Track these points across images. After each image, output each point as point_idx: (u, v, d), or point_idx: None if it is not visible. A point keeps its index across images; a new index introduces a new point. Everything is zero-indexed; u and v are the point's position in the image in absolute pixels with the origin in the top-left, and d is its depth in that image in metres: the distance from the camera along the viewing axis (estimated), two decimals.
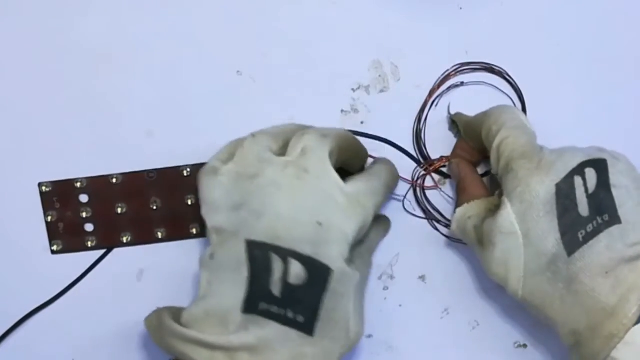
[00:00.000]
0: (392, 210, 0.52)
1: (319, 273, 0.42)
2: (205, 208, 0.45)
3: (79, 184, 0.51)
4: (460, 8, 0.53)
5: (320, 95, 0.53)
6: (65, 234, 0.51)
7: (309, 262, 0.42)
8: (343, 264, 0.43)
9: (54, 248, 0.52)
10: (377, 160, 0.51)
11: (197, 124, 0.52)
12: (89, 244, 0.52)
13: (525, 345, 0.52)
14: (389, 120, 0.52)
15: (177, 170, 0.51)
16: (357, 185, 0.45)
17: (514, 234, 0.44)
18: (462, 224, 0.48)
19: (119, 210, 0.51)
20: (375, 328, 0.51)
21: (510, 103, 0.53)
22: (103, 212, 0.51)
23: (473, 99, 0.53)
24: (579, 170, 0.44)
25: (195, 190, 0.50)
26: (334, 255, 0.43)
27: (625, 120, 0.53)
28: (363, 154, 0.50)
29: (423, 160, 0.52)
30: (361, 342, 0.50)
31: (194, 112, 0.52)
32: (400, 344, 0.52)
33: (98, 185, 0.51)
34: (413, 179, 0.52)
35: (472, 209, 0.48)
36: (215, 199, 0.44)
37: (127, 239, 0.51)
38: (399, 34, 0.53)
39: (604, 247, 0.42)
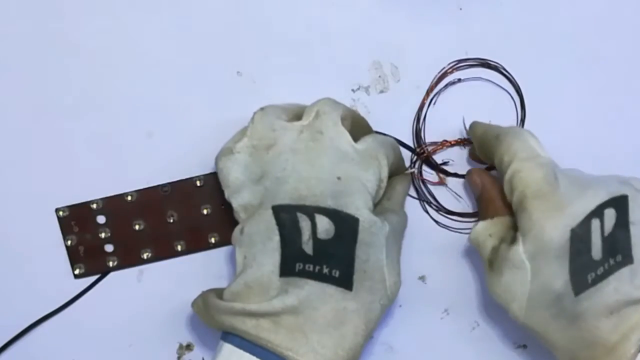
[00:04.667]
0: None
1: (346, 224, 0.43)
2: (228, 190, 0.46)
3: (94, 205, 0.51)
4: (460, 9, 0.54)
5: (320, 95, 0.52)
6: (86, 257, 0.51)
7: (334, 215, 0.43)
8: (369, 213, 0.44)
9: (77, 272, 0.51)
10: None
11: (198, 125, 0.52)
12: (111, 264, 0.51)
13: (525, 346, 0.52)
14: (389, 120, 0.52)
15: (190, 181, 0.51)
16: (366, 141, 0.47)
17: (524, 269, 0.44)
18: (481, 239, 0.47)
19: (137, 227, 0.51)
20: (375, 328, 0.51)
21: (509, 98, 0.53)
22: (121, 231, 0.51)
23: (471, 95, 0.53)
24: (598, 212, 0.43)
25: (210, 200, 0.51)
26: (358, 204, 0.44)
27: (624, 115, 0.53)
28: (370, 131, 0.51)
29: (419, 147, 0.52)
30: None
31: (194, 113, 0.52)
32: (400, 344, 0.52)
33: (114, 204, 0.51)
34: (412, 163, 0.52)
35: (494, 226, 0.47)
36: (236, 177, 0.45)
37: (147, 256, 0.51)
38: (399, 34, 0.53)
39: (612, 289, 0.42)
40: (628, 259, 0.43)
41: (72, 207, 0.51)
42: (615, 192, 0.44)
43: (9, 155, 0.52)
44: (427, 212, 0.52)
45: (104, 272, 0.52)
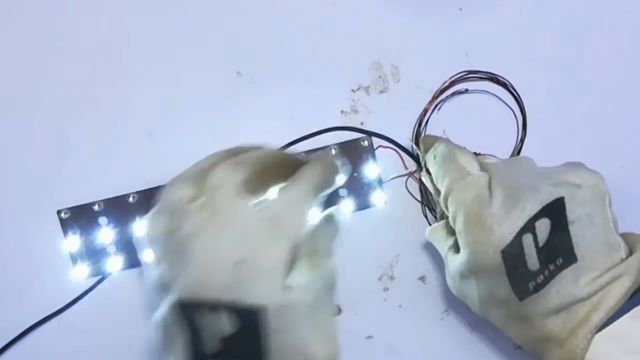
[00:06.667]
0: (393, 210, 0.52)
1: (248, 317, 0.39)
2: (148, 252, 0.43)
3: (96, 207, 0.51)
4: (460, 9, 0.54)
5: (320, 95, 0.53)
6: (88, 259, 0.51)
7: (233, 309, 0.39)
8: (280, 295, 0.39)
9: (79, 274, 0.51)
10: (307, 161, 0.46)
11: (197, 125, 0.52)
12: (113, 265, 0.51)
13: None
14: (388, 120, 0.52)
15: None
16: (274, 205, 0.42)
17: (469, 278, 0.45)
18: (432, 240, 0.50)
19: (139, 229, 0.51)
20: (375, 328, 0.51)
21: (512, 115, 0.53)
22: (123, 232, 0.51)
23: (475, 107, 0.53)
24: (529, 227, 0.43)
25: None
26: (265, 290, 0.39)
27: (626, 139, 0.53)
28: (296, 169, 0.45)
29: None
30: (361, 342, 0.51)
31: (194, 113, 0.52)
32: (400, 344, 0.52)
33: (115, 205, 0.51)
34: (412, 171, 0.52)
35: (433, 234, 0.49)
36: (152, 251, 0.42)
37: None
38: (399, 34, 0.53)
39: (553, 292, 0.43)
40: (571, 259, 0.43)
41: (73, 209, 0.51)
42: (548, 199, 0.43)
43: (10, 157, 0.52)
44: (426, 217, 0.52)
45: (107, 274, 0.52)
